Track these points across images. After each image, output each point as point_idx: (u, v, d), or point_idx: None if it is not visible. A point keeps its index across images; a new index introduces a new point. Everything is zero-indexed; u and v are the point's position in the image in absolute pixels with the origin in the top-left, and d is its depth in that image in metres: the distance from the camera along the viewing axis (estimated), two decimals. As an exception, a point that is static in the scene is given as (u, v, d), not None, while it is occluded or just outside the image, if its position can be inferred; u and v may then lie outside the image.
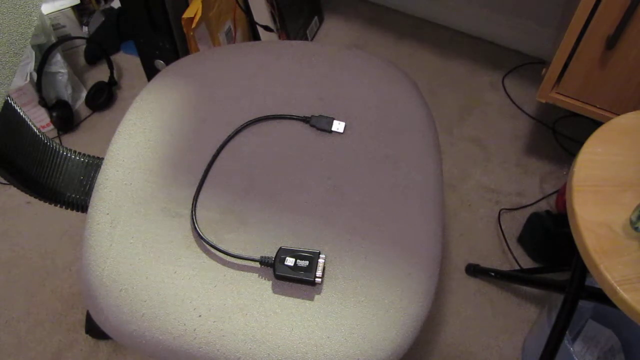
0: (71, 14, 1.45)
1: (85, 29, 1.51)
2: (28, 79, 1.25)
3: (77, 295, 1.12)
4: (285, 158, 0.67)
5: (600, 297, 0.77)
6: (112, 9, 1.52)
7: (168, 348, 0.55)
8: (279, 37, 1.39)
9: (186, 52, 1.20)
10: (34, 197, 0.73)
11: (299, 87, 0.74)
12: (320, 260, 0.57)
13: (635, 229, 0.58)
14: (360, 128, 0.69)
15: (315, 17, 1.51)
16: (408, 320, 0.56)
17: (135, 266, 0.59)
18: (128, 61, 1.51)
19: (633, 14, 0.82)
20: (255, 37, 1.40)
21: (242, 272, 0.59)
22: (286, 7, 1.35)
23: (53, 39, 1.34)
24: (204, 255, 0.60)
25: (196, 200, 0.64)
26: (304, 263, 0.57)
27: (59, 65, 1.34)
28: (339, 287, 0.58)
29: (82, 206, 0.77)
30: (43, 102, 1.29)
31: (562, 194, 1.17)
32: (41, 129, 1.35)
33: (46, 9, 1.41)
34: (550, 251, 1.09)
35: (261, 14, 1.34)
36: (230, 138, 0.69)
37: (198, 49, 1.17)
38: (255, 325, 0.55)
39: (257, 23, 1.34)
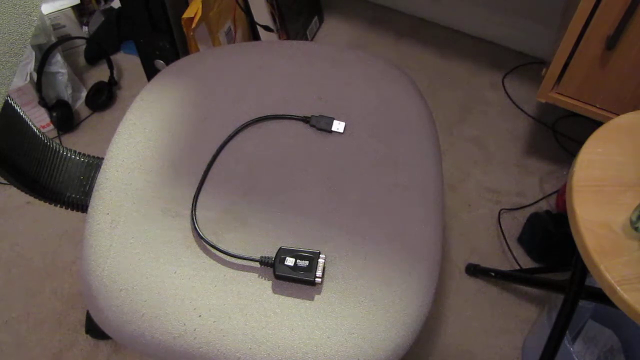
0: (71, 14, 1.45)
1: (85, 29, 1.51)
2: (28, 79, 1.25)
3: (77, 295, 1.12)
4: (285, 158, 0.67)
5: (600, 297, 0.77)
6: (112, 9, 1.52)
7: (168, 348, 0.55)
8: (279, 37, 1.39)
9: (186, 52, 1.20)
10: (34, 197, 0.73)
11: (299, 87, 0.74)
12: (320, 260, 0.57)
13: (635, 229, 0.58)
14: (360, 128, 0.69)
15: (315, 17, 1.51)
16: (408, 320, 0.56)
17: (135, 266, 0.59)
18: (128, 61, 1.51)
19: (633, 14, 0.82)
20: (255, 37, 1.40)
21: (242, 272, 0.59)
22: (286, 7, 1.35)
23: (53, 39, 1.34)
24: (204, 255, 0.60)
25: (196, 200, 0.64)
26: (304, 263, 0.57)
27: (59, 65, 1.34)
28: (339, 287, 0.58)
29: (82, 206, 0.77)
30: (43, 102, 1.29)
31: (562, 194, 1.17)
32: (41, 129, 1.35)
33: (46, 9, 1.41)
34: (550, 251, 1.09)
35: (261, 14, 1.33)
36: (230, 138, 0.69)
37: (198, 49, 1.17)
38: (255, 325, 0.55)
39: (257, 23, 1.34)
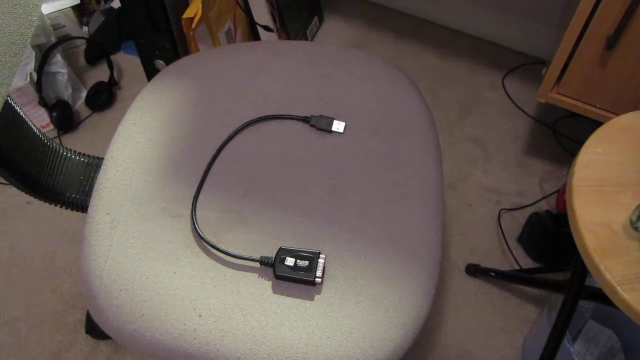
0: (71, 14, 1.45)
1: (85, 29, 1.51)
2: (28, 79, 1.25)
3: (77, 295, 1.12)
4: (285, 158, 0.67)
5: (600, 297, 0.77)
6: (112, 9, 1.52)
7: (168, 348, 0.55)
8: (279, 37, 1.39)
9: (186, 52, 1.20)
10: (34, 197, 0.73)
11: (299, 87, 0.74)
12: (320, 260, 0.57)
13: (635, 229, 0.58)
14: (360, 128, 0.69)
15: (315, 17, 1.51)
16: (408, 320, 0.56)
17: (135, 266, 0.59)
18: (128, 61, 1.51)
19: (633, 14, 0.82)
20: (255, 37, 1.40)
21: (242, 272, 0.59)
22: (286, 7, 1.35)
23: (53, 39, 1.34)
24: (204, 255, 0.60)
25: (196, 200, 0.64)
26: (304, 263, 0.57)
27: (59, 65, 1.34)
28: (339, 287, 0.58)
29: (82, 206, 0.77)
30: (43, 102, 1.29)
31: (562, 194, 1.17)
32: (41, 129, 1.35)
33: (46, 9, 1.41)
34: (550, 251, 1.09)
35: (261, 14, 1.34)
36: (230, 138, 0.69)
37: (198, 49, 1.17)
38: (255, 325, 0.55)
39: (257, 23, 1.34)
